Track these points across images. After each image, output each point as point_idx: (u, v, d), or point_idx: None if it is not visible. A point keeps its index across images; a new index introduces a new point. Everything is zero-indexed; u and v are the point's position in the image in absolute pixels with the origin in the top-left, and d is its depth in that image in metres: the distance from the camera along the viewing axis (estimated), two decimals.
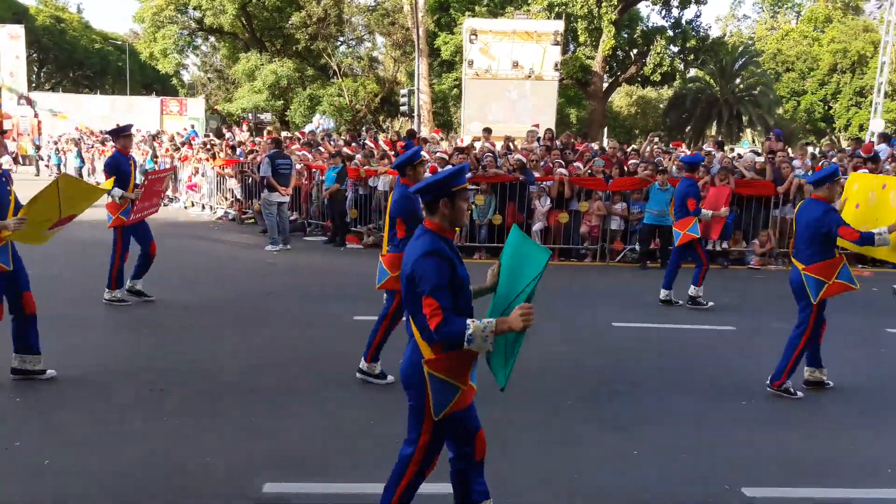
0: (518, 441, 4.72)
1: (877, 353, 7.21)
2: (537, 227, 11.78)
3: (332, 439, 4.65)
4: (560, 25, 23.64)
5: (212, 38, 39.15)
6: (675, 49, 29.11)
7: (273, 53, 34.41)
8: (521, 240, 3.38)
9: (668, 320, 8.18)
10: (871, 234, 5.46)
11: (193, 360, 6.14)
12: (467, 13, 28.92)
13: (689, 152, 13.38)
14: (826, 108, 40.02)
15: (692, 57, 29.76)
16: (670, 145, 16.21)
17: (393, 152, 13.18)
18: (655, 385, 5.92)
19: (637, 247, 11.89)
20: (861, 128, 33.55)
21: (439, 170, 11.47)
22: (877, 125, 25.31)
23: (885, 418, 5.43)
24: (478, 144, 14.26)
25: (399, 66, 35.89)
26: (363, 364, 5.74)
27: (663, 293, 8.94)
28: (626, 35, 28.97)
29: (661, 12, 29.19)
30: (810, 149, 19.15)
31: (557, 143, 13.59)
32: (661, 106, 40.94)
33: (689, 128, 35.85)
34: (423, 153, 6.09)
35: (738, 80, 35.75)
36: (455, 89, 30.54)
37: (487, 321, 2.94)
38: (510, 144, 13.99)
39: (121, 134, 7.77)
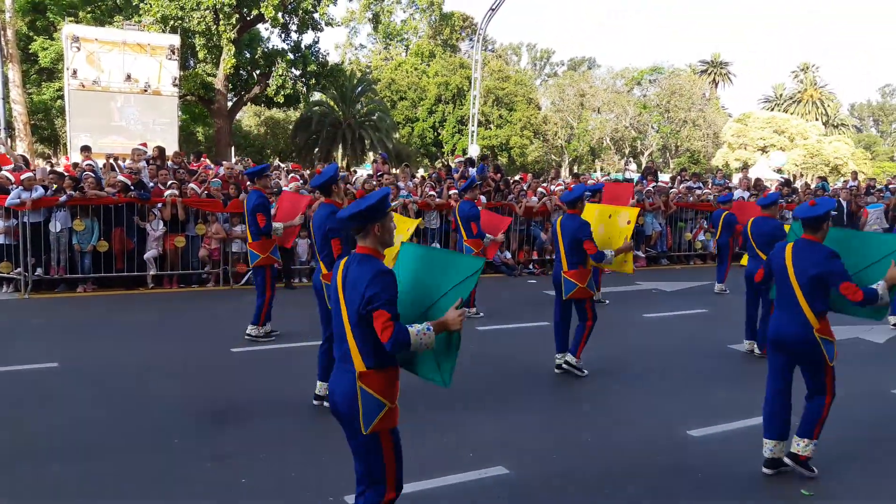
0: (125, 491, 4.27)
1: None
2: (150, 253, 10.94)
3: None
4: (176, 40, 22.63)
5: None
6: (297, 72, 29.80)
7: None
8: (427, 251, 3.79)
9: (287, 340, 8.23)
10: (603, 253, 6.68)
11: None
12: (67, 18, 25.99)
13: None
14: (435, 133, 44.87)
15: (314, 81, 30.74)
16: (290, 167, 16.56)
17: None
18: (259, 409, 5.89)
19: None
20: (464, 152, 38.31)
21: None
22: (474, 150, 29.20)
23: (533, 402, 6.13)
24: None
25: None
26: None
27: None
28: (248, 55, 28.81)
29: (280, 35, 29.66)
30: (421, 171, 21.31)
31: (169, 163, 12.85)
32: (290, 127, 41.67)
33: (316, 149, 37.20)
34: None
35: (358, 106, 38.16)
36: (59, 100, 27.21)
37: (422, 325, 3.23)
38: (113, 164, 12.80)
39: None
